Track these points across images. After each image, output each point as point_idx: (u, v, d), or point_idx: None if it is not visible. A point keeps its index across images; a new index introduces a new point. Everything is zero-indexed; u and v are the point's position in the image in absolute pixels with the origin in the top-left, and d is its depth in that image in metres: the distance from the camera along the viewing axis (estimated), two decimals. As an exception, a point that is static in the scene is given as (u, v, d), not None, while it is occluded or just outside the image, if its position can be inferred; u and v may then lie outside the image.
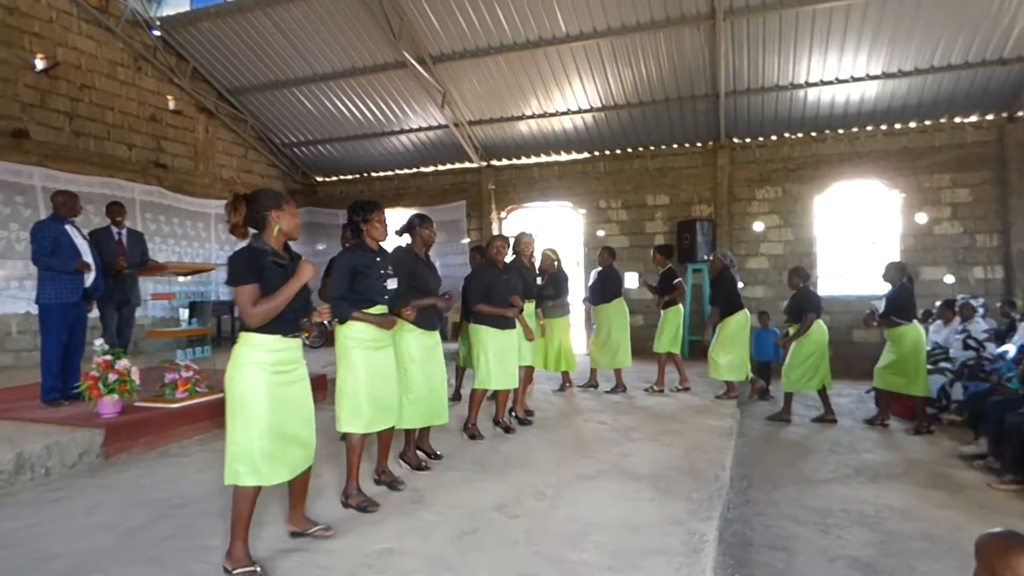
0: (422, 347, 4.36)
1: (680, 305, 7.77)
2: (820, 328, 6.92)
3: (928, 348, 7.89)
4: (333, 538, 3.31)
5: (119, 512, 3.78)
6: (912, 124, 10.22)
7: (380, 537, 3.33)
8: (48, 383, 5.71)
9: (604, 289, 7.55)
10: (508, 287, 5.34)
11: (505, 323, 5.26)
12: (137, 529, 3.52)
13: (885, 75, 9.43)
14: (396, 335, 4.27)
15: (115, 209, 6.63)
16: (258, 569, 2.87)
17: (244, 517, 2.92)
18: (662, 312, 7.78)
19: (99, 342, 5.38)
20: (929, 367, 7.07)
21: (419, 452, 4.75)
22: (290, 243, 3.15)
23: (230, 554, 2.92)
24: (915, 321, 6.56)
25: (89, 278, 5.83)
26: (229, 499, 3.52)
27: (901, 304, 6.51)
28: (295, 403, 3.02)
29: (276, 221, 3.00)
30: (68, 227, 5.78)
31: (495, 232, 12.55)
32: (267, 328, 2.89)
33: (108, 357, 5.19)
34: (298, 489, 3.24)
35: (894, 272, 6.62)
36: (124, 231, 6.60)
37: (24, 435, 4.71)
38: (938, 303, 8.25)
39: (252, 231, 3.04)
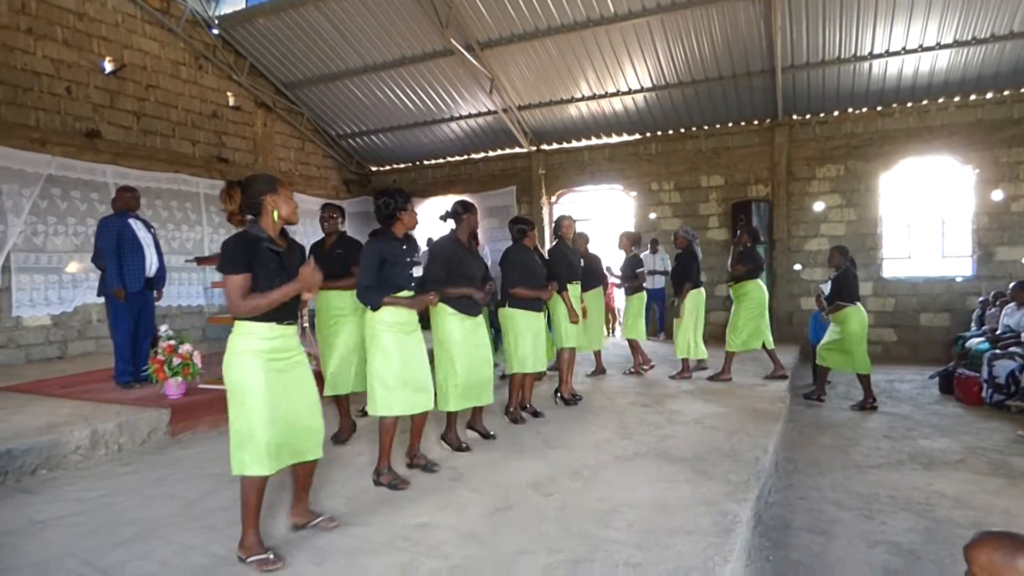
0: (463, 330, 4.42)
1: (644, 292, 7.81)
2: (760, 288, 7.24)
3: (999, 331, 7.56)
4: (372, 510, 3.46)
5: (181, 485, 4.05)
6: (988, 95, 9.61)
7: (416, 512, 3.45)
8: (121, 367, 6.10)
9: (586, 277, 7.32)
10: (543, 270, 5.36)
11: (539, 305, 5.29)
12: (197, 500, 3.77)
13: (958, 43, 8.88)
14: (437, 319, 4.42)
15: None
16: (271, 556, 2.86)
17: (253, 506, 2.88)
18: (626, 298, 7.86)
19: (164, 328, 5.70)
20: (998, 351, 6.79)
21: (472, 431, 4.89)
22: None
23: (242, 543, 2.90)
24: (858, 303, 6.77)
25: (153, 268, 6.17)
26: (281, 475, 3.68)
27: (845, 287, 6.72)
28: (295, 389, 2.97)
29: (273, 206, 2.91)
30: (132, 221, 6.10)
31: (545, 217, 12.58)
32: (261, 316, 2.84)
33: (172, 342, 5.51)
34: (302, 480, 3.22)
35: (838, 257, 6.86)
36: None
37: (99, 415, 5.07)
38: (1011, 284, 7.83)
39: (249, 218, 2.95)
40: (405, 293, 3.81)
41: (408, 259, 3.84)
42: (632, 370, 7.72)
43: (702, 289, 7.46)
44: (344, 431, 5.03)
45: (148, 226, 6.29)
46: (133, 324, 6.09)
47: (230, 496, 3.77)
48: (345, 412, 5.08)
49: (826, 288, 6.97)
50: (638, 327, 7.78)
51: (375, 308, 3.75)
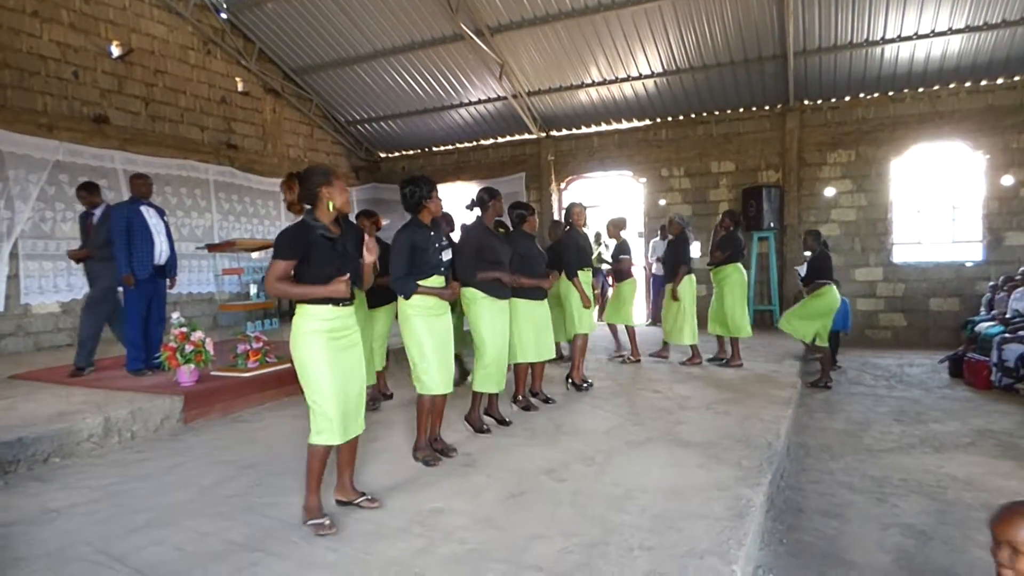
0: (492, 313, 4.52)
1: (633, 278, 7.71)
2: (740, 272, 7.38)
3: (1008, 316, 7.52)
4: (388, 496, 3.47)
5: (195, 472, 4.07)
6: (1000, 81, 9.52)
7: (431, 497, 3.48)
8: (132, 354, 6.11)
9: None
10: (542, 257, 5.32)
11: (540, 294, 5.23)
12: (211, 487, 3.78)
13: (970, 28, 8.80)
14: (468, 304, 4.52)
15: (82, 191, 6.46)
16: (327, 521, 3.08)
17: (317, 473, 3.14)
18: (616, 285, 7.83)
19: (176, 315, 5.71)
20: (1008, 335, 6.75)
21: (488, 417, 4.93)
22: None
23: (306, 506, 3.15)
24: (831, 283, 7.17)
25: (163, 256, 6.16)
26: (295, 461, 3.71)
27: (822, 267, 7.15)
28: (353, 366, 3.20)
29: (328, 196, 3.11)
30: (143, 208, 6.08)
31: (554, 203, 12.54)
32: (321, 299, 3.07)
33: (184, 329, 5.52)
34: (347, 456, 3.35)
35: (812, 240, 7.32)
36: (99, 210, 6.36)
37: (111, 402, 5.09)
38: (1021, 269, 7.79)
39: (307, 207, 3.16)
40: (437, 278, 3.94)
41: (437, 244, 3.95)
42: (625, 357, 7.70)
43: (693, 276, 7.47)
44: None
45: (161, 213, 6.27)
46: (144, 310, 6.09)
47: (245, 483, 3.81)
48: None
49: (802, 270, 7.35)
50: (622, 312, 7.69)
51: (408, 297, 3.87)
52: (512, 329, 5.12)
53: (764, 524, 3.40)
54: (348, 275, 3.09)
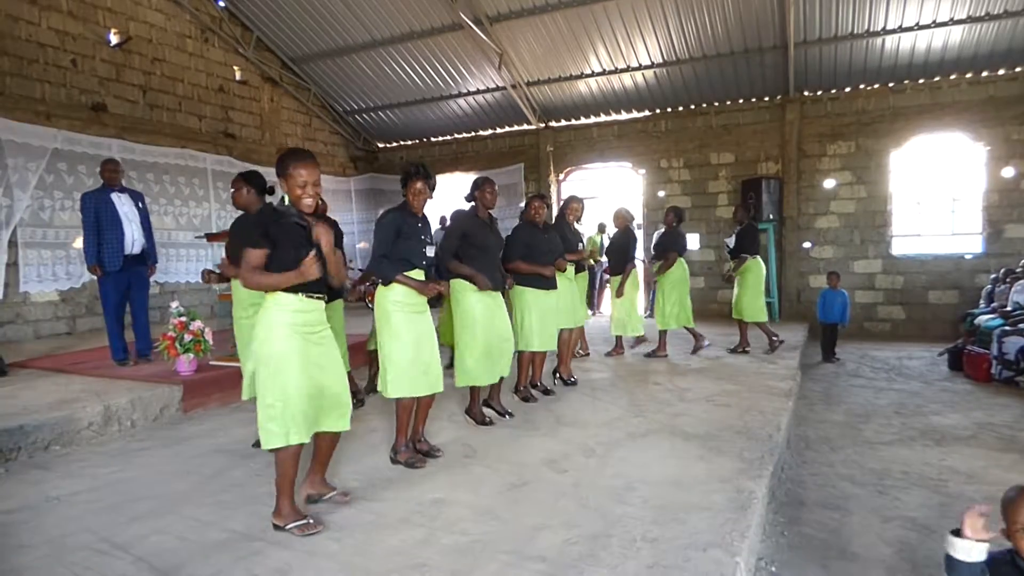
0: (484, 306, 4.43)
1: (586, 271, 7.61)
2: (682, 268, 7.46)
3: (1009, 308, 7.54)
4: (388, 487, 3.46)
5: (196, 461, 4.06)
6: (1001, 72, 9.50)
7: (432, 487, 3.47)
8: (113, 344, 6.05)
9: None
10: (550, 247, 5.26)
11: (547, 284, 5.18)
12: (211, 476, 3.78)
13: (971, 19, 8.76)
14: (457, 295, 4.43)
15: None
16: (310, 520, 2.95)
17: (289, 475, 2.93)
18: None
19: (175, 304, 5.69)
20: (1008, 328, 6.76)
21: (489, 409, 4.87)
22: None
23: (278, 511, 2.96)
24: (757, 256, 7.54)
25: (137, 245, 6.05)
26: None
27: (747, 240, 7.48)
28: (327, 362, 3.00)
29: (283, 188, 2.93)
30: (114, 195, 5.95)
31: (553, 194, 12.51)
32: (291, 288, 2.85)
33: (183, 319, 5.50)
34: (324, 452, 3.22)
35: (743, 213, 7.67)
36: None
37: (111, 391, 5.09)
38: (1022, 262, 7.80)
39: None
40: (417, 272, 3.77)
41: (422, 236, 3.82)
42: (582, 352, 7.70)
43: (636, 270, 7.51)
44: None
45: (136, 200, 6.13)
46: (120, 301, 6.03)
47: (245, 472, 3.81)
48: None
49: (731, 242, 7.70)
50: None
51: (386, 282, 3.72)
52: (518, 318, 5.09)
53: (766, 516, 3.41)
54: (314, 252, 2.82)
